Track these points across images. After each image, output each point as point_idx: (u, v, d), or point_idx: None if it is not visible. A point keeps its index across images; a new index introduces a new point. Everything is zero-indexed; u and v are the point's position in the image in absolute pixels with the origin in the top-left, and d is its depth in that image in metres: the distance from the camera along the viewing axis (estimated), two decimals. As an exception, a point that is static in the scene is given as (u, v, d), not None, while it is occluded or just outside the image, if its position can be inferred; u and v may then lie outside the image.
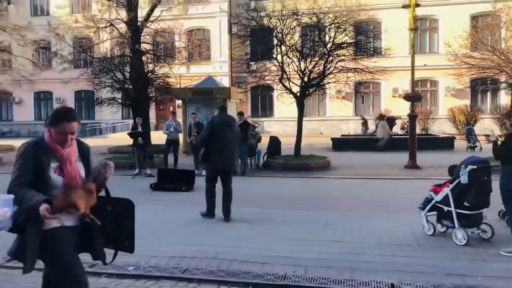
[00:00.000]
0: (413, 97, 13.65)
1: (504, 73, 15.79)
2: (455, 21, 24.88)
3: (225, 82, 30.53)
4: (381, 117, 19.80)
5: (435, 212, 5.70)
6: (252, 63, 17.40)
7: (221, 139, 6.65)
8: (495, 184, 5.24)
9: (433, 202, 5.67)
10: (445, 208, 5.51)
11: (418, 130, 24.18)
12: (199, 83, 18.79)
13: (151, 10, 18.35)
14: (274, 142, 14.12)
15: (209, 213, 6.76)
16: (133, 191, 9.54)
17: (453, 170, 5.60)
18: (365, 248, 5.22)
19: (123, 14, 18.03)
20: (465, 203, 5.42)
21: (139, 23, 17.89)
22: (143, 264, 4.73)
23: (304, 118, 14.60)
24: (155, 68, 18.20)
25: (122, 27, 18.39)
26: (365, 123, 25.08)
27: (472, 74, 19.65)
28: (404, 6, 14.06)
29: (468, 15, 25.96)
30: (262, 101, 32.91)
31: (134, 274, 4.50)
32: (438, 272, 4.41)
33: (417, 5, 13.17)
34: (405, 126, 21.95)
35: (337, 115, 27.04)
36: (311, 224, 6.39)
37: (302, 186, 10.27)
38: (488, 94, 27.75)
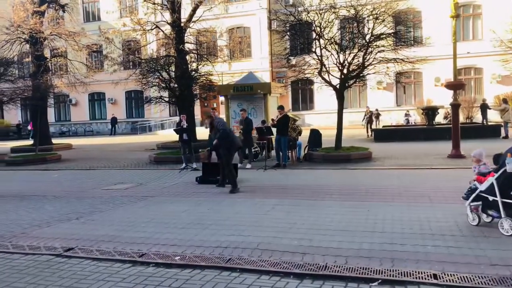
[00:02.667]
0: (455, 85, 13.54)
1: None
2: (499, 6, 24.04)
3: (266, 77, 31.07)
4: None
5: (479, 202, 5.62)
6: (291, 57, 17.78)
7: None
8: None
9: (477, 191, 5.60)
10: (491, 198, 5.41)
11: (462, 119, 23.73)
12: (240, 79, 19.36)
13: (193, 11, 19.18)
14: (315, 135, 14.46)
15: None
16: (180, 184, 10.31)
17: (498, 159, 5.52)
18: (406, 238, 5.21)
19: (167, 16, 18.98)
20: None
21: (182, 24, 18.76)
22: (188, 254, 4.95)
23: (344, 110, 14.82)
24: (198, 67, 18.99)
25: (167, 29, 19.34)
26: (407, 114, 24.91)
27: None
28: (445, -7, 13.97)
29: (514, -2, 24.96)
30: (302, 95, 33.24)
31: (180, 263, 4.68)
32: (482, 262, 4.33)
33: (459, -8, 13.07)
34: (448, 115, 21.60)
35: (378, 106, 26.75)
36: (352, 214, 6.48)
37: (343, 177, 10.44)
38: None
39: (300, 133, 14.10)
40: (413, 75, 29.10)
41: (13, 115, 36.35)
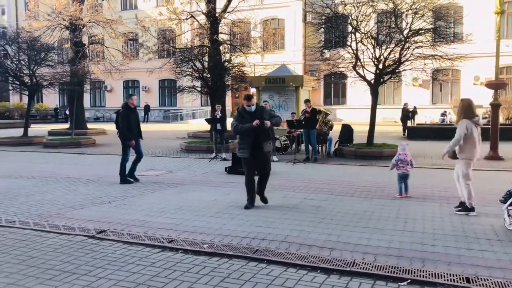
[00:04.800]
0: (497, 85, 13.03)
1: None
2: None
3: (298, 70, 30.85)
4: None
5: None
6: (325, 50, 17.55)
7: None
8: None
9: (516, 195, 5.48)
10: (529, 203, 5.29)
11: (501, 120, 22.84)
12: (273, 71, 19.36)
13: (229, 1, 19.19)
14: (346, 130, 14.29)
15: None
16: (209, 173, 10.43)
17: None
18: (437, 239, 5.14)
19: (202, 6, 19.08)
20: None
21: (217, 15, 18.81)
22: (217, 243, 5.01)
23: (378, 106, 14.54)
24: (231, 58, 19.04)
25: (202, 19, 19.44)
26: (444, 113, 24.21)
27: None
28: (490, -12, 13.40)
29: None
30: (335, 89, 32.82)
31: (208, 251, 4.74)
32: (518, 268, 4.20)
33: (505, -13, 12.52)
34: (487, 115, 20.83)
35: (412, 103, 26.11)
36: (382, 212, 6.44)
37: (373, 174, 10.28)
38: None
39: (331, 127, 13.93)
40: (451, 73, 28.18)
41: (51, 100, 37.58)
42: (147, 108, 36.57)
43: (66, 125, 26.68)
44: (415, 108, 24.29)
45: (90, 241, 5.21)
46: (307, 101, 13.21)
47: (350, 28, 13.88)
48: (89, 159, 13.61)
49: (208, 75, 18.19)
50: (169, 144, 17.65)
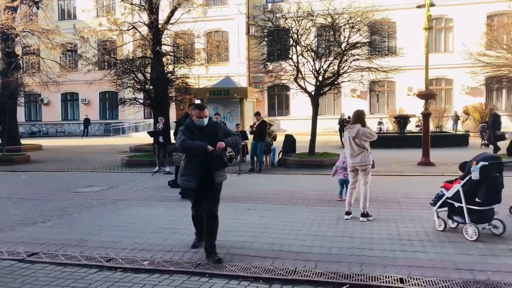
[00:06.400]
0: (427, 95, 13.91)
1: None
2: (470, 21, 24.94)
3: (243, 82, 31.11)
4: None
5: (446, 208, 5.79)
6: (268, 63, 17.88)
7: None
8: (507, 180, 5.26)
9: (444, 198, 5.76)
10: (456, 204, 5.58)
11: (432, 128, 24.41)
12: (217, 83, 19.34)
13: (172, 13, 19.06)
14: (289, 140, 14.58)
15: None
16: (152, 187, 10.17)
17: (464, 167, 5.68)
18: (375, 243, 5.32)
19: (145, 17, 18.78)
20: (477, 199, 5.41)
21: (160, 26, 18.60)
22: (158, 259, 4.89)
23: (319, 117, 15.00)
24: (175, 69, 18.85)
25: (144, 30, 19.13)
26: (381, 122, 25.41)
27: (487, 72, 19.78)
28: (419, 6, 14.32)
29: (483, 14, 25.97)
30: (279, 100, 33.43)
31: (149, 268, 4.63)
32: (447, 267, 4.46)
33: (432, 5, 13.43)
34: (420, 124, 22.16)
35: (351, 114, 27.24)
36: (324, 219, 6.60)
37: (315, 182, 10.55)
38: (504, 92, 27.66)
39: (275, 138, 14.21)
40: (386, 84, 29.74)
41: (-19, 114, 35.02)
42: (87, 122, 35.11)
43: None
44: (349, 117, 25.28)
45: (20, 265, 4.88)
46: (257, 114, 13.40)
47: (291, 41, 14.28)
48: (23, 177, 12.81)
49: (151, 87, 17.87)
50: (110, 158, 17.05)
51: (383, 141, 19.16)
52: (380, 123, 27.99)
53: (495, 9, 26.44)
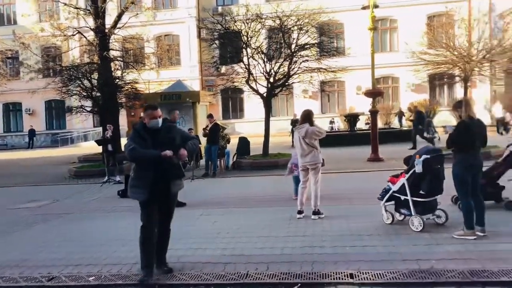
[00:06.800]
0: (374, 93, 14.39)
1: (457, 68, 16.82)
2: (413, 21, 26.13)
3: (196, 85, 30.85)
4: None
5: (393, 202, 5.99)
6: (220, 66, 17.81)
7: None
8: (448, 171, 5.47)
9: (390, 192, 5.96)
10: (402, 197, 5.80)
11: (381, 125, 25.28)
12: (168, 87, 19.05)
13: (119, 17, 18.48)
14: (243, 143, 14.59)
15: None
16: (101, 198, 9.78)
17: (409, 161, 5.90)
18: (326, 240, 5.40)
19: (90, 22, 18.13)
20: (421, 191, 5.64)
21: (106, 30, 18.02)
22: (105, 273, 4.71)
23: (272, 118, 15.12)
24: (124, 75, 18.34)
25: (90, 35, 18.47)
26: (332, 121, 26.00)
27: (428, 70, 20.81)
28: (364, 8, 14.78)
29: (424, 15, 27.28)
30: (233, 103, 33.40)
31: (94, 284, 4.47)
32: (395, 259, 4.61)
33: (376, 6, 13.91)
34: (369, 121, 22.87)
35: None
36: (276, 220, 6.63)
37: (269, 183, 10.55)
38: (445, 88, 29.21)
39: (228, 141, 14.13)
40: (336, 84, 30.51)
41: None
42: (32, 133, 33.25)
43: None
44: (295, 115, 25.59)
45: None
46: (209, 116, 13.23)
47: (241, 44, 14.30)
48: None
49: (98, 94, 17.27)
50: (57, 170, 16.30)
51: (335, 140, 19.67)
52: (331, 122, 28.66)
53: (434, 10, 27.88)
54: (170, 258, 4.89)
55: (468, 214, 5.17)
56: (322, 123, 29.33)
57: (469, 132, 5.13)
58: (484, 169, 6.52)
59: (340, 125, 28.35)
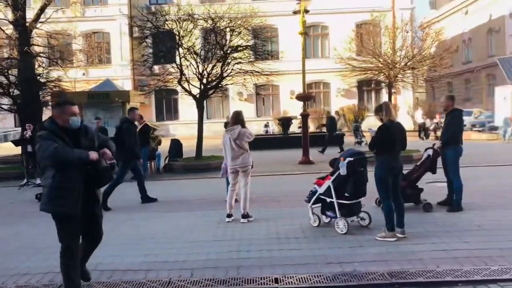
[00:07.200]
0: (304, 97, 14.72)
1: (382, 74, 17.74)
2: (343, 28, 27.25)
3: (128, 85, 29.81)
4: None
5: (319, 204, 6.01)
6: (152, 65, 17.25)
7: None
8: (371, 174, 5.56)
9: (317, 194, 5.98)
10: (328, 199, 5.84)
11: (313, 128, 26.04)
12: (96, 86, 18.22)
13: (41, 10, 17.26)
14: (175, 145, 14.23)
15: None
16: (16, 203, 9.04)
17: (334, 163, 5.99)
18: (253, 244, 5.32)
19: (10, 14, 16.77)
20: (346, 194, 5.71)
21: (27, 24, 16.76)
22: (10, 284, 4.35)
23: (207, 120, 14.95)
24: (46, 72, 17.18)
25: (9, 28, 17.09)
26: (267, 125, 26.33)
27: (355, 75, 21.77)
28: (295, 12, 15.06)
29: (353, 23, 28.53)
30: (167, 104, 32.66)
31: None
32: (319, 262, 4.60)
33: (306, 11, 14.23)
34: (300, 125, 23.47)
35: (240, 117, 27.97)
36: (204, 224, 6.45)
37: (201, 186, 10.37)
38: (373, 93, 30.78)
39: (159, 143, 13.73)
40: (271, 88, 31.00)
41: None
42: None
43: None
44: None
45: None
46: (140, 118, 12.79)
47: (173, 44, 13.97)
48: None
49: (17, 91, 16.01)
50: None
51: (269, 143, 19.92)
52: (266, 125, 29.02)
53: (362, 19, 29.26)
54: (87, 266, 4.51)
55: (389, 216, 5.32)
56: (257, 126, 29.73)
57: (390, 135, 5.31)
58: (404, 172, 6.93)
59: (275, 128, 28.78)
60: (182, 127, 30.57)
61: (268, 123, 29.21)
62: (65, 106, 3.80)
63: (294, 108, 27.06)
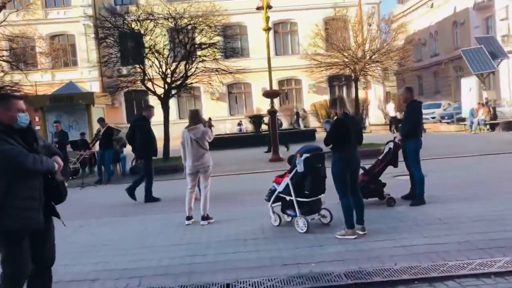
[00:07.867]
0: (271, 94, 14.57)
1: (348, 69, 17.76)
2: (311, 24, 27.23)
3: (96, 87, 29.08)
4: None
5: (279, 203, 5.83)
6: (121, 67, 16.83)
7: None
8: (329, 170, 5.32)
9: (276, 192, 5.80)
10: (287, 198, 5.66)
11: (286, 125, 25.97)
12: (59, 89, 17.61)
13: (-4, 12, 16.65)
14: (142, 146, 13.85)
15: None
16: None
17: (292, 160, 5.73)
18: (210, 247, 5.12)
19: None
20: (305, 191, 5.51)
21: (-20, 26, 16.10)
22: None
23: (180, 120, 14.63)
24: (1, 76, 16.51)
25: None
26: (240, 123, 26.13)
27: (322, 71, 21.76)
28: (258, 8, 14.85)
29: (321, 18, 28.51)
30: (138, 106, 31.93)
31: None
32: (275, 264, 4.42)
33: (269, 7, 14.03)
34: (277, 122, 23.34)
35: (212, 116, 27.62)
36: (163, 228, 6.22)
37: (168, 188, 10.09)
38: (344, 89, 30.90)
39: (124, 145, 13.33)
40: (243, 86, 30.73)
41: None
42: None
43: None
44: (210, 119, 25.51)
45: None
46: (101, 119, 12.55)
47: (134, 43, 13.63)
48: None
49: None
50: None
51: (241, 141, 19.77)
52: (239, 124, 28.76)
53: (330, 14, 29.31)
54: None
55: (348, 213, 5.14)
56: (231, 125, 29.47)
57: (344, 128, 5.13)
58: (367, 166, 6.82)
59: (248, 126, 28.56)
60: (154, 128, 29.96)
61: (241, 121, 28.95)
62: (10, 100, 3.11)
63: (266, 106, 26.85)
